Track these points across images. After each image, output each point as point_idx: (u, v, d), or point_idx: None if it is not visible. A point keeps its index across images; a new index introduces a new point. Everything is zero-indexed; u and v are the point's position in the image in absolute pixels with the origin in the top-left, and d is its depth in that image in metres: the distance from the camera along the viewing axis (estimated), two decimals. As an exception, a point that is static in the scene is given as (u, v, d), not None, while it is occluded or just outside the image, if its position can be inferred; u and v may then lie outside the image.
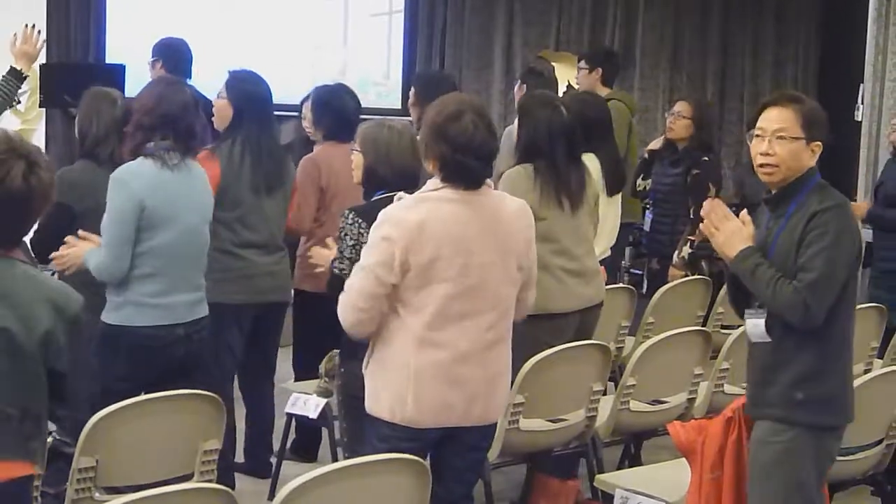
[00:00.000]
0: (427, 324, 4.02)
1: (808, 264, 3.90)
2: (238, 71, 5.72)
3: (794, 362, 4.02)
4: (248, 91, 5.62)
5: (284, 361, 6.39)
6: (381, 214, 4.06)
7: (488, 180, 4.17)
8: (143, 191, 4.68)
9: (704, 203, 4.19)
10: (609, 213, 6.62)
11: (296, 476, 3.41)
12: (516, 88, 7.28)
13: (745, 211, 4.19)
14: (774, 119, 4.02)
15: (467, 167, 4.03)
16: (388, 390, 4.08)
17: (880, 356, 6.39)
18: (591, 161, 6.23)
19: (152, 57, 7.03)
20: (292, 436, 5.96)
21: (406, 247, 3.96)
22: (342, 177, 5.64)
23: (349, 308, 4.08)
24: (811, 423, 4.00)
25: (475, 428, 4.18)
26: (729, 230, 4.07)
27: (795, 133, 3.98)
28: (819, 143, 4.01)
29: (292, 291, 5.97)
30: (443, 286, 4.01)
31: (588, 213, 5.71)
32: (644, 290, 7.39)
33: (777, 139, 3.99)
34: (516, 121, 6.90)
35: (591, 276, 5.69)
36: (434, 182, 4.09)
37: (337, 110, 6.17)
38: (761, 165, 4.04)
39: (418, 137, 4.28)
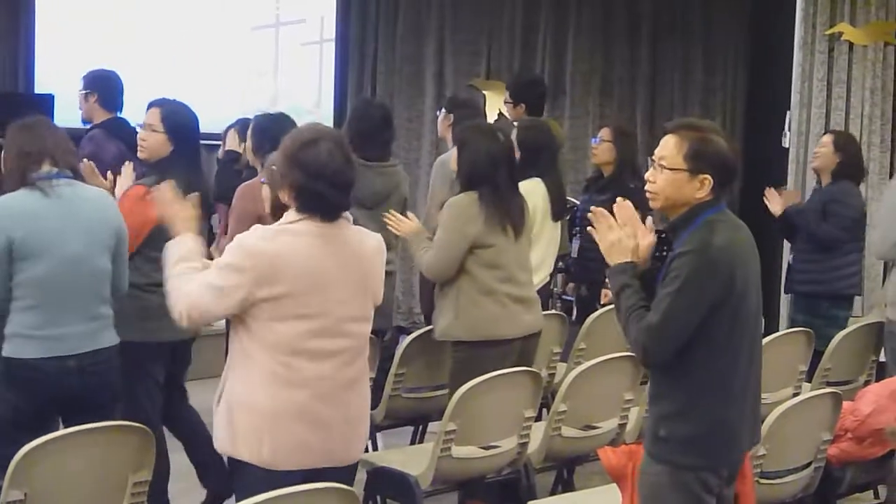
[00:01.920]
0: (282, 361, 3.90)
1: (655, 307, 3.84)
2: (170, 102, 5.62)
3: (661, 399, 3.98)
4: (181, 125, 5.55)
5: (203, 393, 6.37)
6: (237, 240, 3.94)
7: (346, 213, 4.08)
8: (9, 224, 4.60)
9: (592, 208, 4.17)
10: (553, 238, 6.69)
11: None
12: (441, 117, 7.27)
13: (649, 220, 4.12)
14: (662, 146, 3.96)
15: (322, 195, 3.93)
16: (243, 430, 3.94)
17: (809, 380, 6.47)
18: (537, 186, 6.30)
19: (85, 89, 6.96)
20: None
21: (254, 279, 3.85)
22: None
23: (183, 317, 3.97)
24: (670, 460, 3.94)
25: (338, 469, 4.03)
26: (608, 241, 4.04)
27: (676, 164, 3.90)
28: (708, 176, 3.88)
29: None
30: (298, 323, 3.90)
31: (528, 240, 5.77)
32: (574, 316, 7.41)
33: (659, 167, 3.94)
34: (451, 150, 6.97)
35: (533, 303, 5.76)
36: (291, 214, 3.98)
37: (278, 139, 6.12)
38: (647, 192, 4.02)
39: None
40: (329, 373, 3.98)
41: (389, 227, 5.79)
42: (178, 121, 5.55)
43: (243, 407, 3.95)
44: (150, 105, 5.62)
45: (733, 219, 4.02)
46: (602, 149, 7.57)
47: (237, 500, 4.05)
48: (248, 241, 3.92)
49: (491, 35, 11.29)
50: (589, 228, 4.13)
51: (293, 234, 3.93)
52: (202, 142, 5.85)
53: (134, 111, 7.11)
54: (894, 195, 6.45)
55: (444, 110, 7.24)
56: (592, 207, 4.14)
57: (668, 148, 3.93)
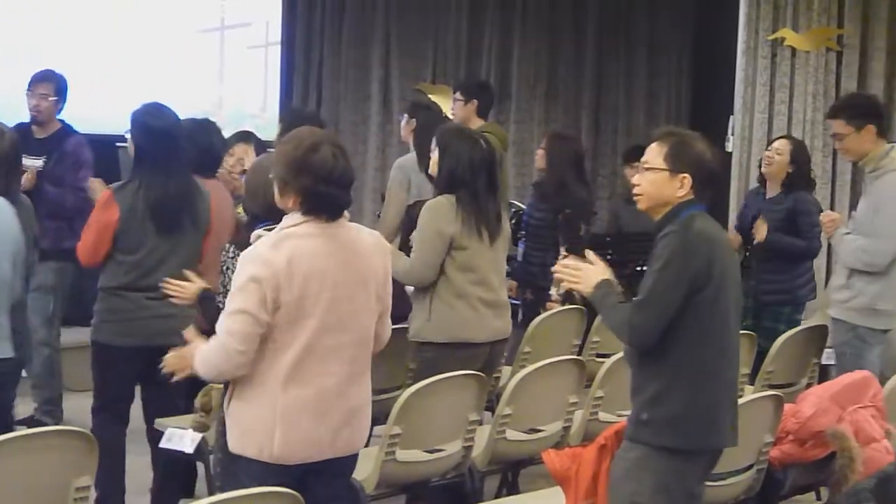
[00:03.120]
0: (294, 361, 4.02)
1: (641, 287, 4.10)
2: (143, 105, 5.57)
3: (642, 386, 4.19)
4: (148, 126, 5.51)
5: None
6: (246, 255, 4.05)
7: (345, 212, 4.19)
8: None
9: (554, 269, 4.40)
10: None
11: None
12: (403, 122, 7.31)
13: (589, 252, 4.39)
14: (646, 153, 4.26)
15: (331, 197, 4.06)
16: (255, 428, 4.05)
17: (751, 382, 6.50)
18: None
19: (55, 94, 6.98)
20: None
21: (276, 286, 3.95)
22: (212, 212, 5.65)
23: (229, 353, 4.02)
24: (652, 443, 4.13)
25: (340, 460, 4.21)
26: (580, 277, 4.28)
27: (657, 164, 4.19)
28: (687, 175, 4.16)
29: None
30: (310, 322, 4.01)
31: (503, 246, 5.81)
32: (519, 319, 7.43)
33: (644, 170, 4.23)
34: (410, 154, 6.99)
35: (503, 308, 5.83)
36: (294, 217, 4.08)
37: (205, 146, 6.10)
38: (634, 195, 4.31)
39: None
40: (336, 368, 4.10)
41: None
42: (143, 122, 5.53)
43: (254, 405, 4.06)
44: None
45: (713, 221, 4.28)
46: (539, 154, 7.69)
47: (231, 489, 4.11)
48: (260, 251, 4.03)
49: (437, 39, 11.30)
50: (563, 283, 4.45)
51: (300, 237, 4.04)
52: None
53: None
54: (890, 208, 6.31)
55: (406, 115, 7.29)
56: (556, 269, 4.40)
57: (651, 152, 4.24)
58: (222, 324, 4.05)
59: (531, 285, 7.56)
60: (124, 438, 5.65)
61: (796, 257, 7.33)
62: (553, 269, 4.41)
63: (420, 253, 5.59)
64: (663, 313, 4.05)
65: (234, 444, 4.13)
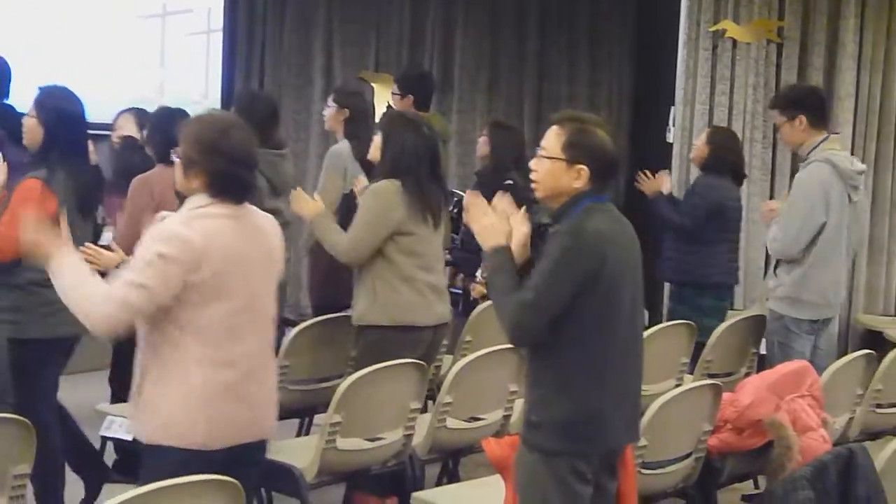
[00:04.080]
0: (211, 344, 3.95)
1: (528, 284, 3.95)
2: (49, 87, 5.50)
3: (533, 385, 4.09)
4: (61, 110, 5.41)
5: (101, 382, 6.32)
6: (156, 231, 3.97)
7: None
8: None
9: (466, 193, 4.26)
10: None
11: (115, 497, 3.36)
12: (332, 111, 7.23)
13: (522, 209, 4.21)
14: (545, 137, 4.10)
15: (242, 179, 4.06)
16: (176, 415, 3.96)
17: (691, 372, 6.56)
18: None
19: None
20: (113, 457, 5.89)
21: (186, 265, 3.88)
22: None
23: (108, 318, 3.90)
24: (541, 447, 4.03)
25: (253, 444, 4.13)
26: (483, 224, 4.13)
27: (553, 153, 4.04)
28: (584, 166, 4.00)
29: None
30: (224, 304, 3.96)
31: (444, 232, 5.82)
32: (460, 308, 7.44)
33: (540, 157, 4.08)
34: (343, 142, 6.96)
35: (445, 293, 5.86)
36: (201, 199, 4.02)
37: (172, 135, 6.05)
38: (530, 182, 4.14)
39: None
40: (253, 350, 4.06)
41: (294, 209, 5.81)
42: (54, 105, 5.42)
43: (174, 393, 3.97)
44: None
45: (613, 210, 4.12)
46: (481, 143, 7.69)
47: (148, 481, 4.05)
48: (168, 229, 3.96)
49: (379, 28, 11.27)
50: (463, 214, 4.22)
51: (210, 217, 3.99)
52: (89, 132, 5.73)
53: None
54: (801, 199, 6.46)
55: (335, 104, 7.19)
56: (465, 193, 4.23)
57: (550, 138, 4.07)
58: (119, 290, 3.89)
59: (469, 273, 7.57)
60: (57, 428, 5.57)
61: (669, 227, 7.47)
62: (464, 201, 4.20)
63: (360, 233, 5.57)
64: (547, 315, 3.92)
65: (153, 434, 4.00)
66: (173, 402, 3.97)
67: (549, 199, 4.08)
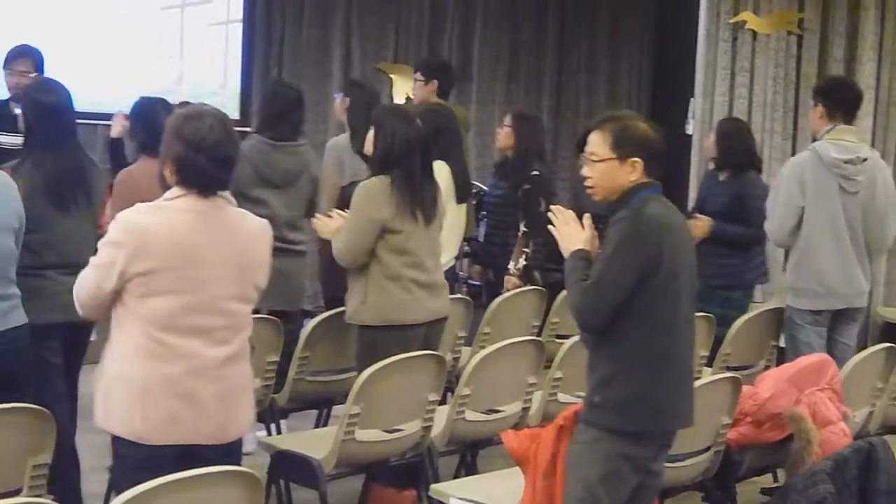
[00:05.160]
0: (155, 337, 3.93)
1: (591, 270, 4.10)
2: (33, 81, 5.55)
3: (595, 369, 4.21)
4: (38, 101, 5.43)
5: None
6: (117, 217, 4.00)
7: (226, 194, 4.11)
8: None
9: (552, 208, 4.38)
10: (457, 221, 6.71)
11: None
12: (338, 100, 7.28)
13: (587, 216, 4.33)
14: (589, 143, 4.24)
15: (199, 167, 3.98)
16: (117, 404, 3.97)
17: (709, 364, 6.54)
18: (441, 168, 6.29)
19: (33, 69, 6.94)
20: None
21: (129, 253, 3.89)
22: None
23: (78, 300, 4.08)
24: (603, 425, 4.15)
25: (215, 447, 4.03)
26: (565, 233, 4.28)
27: (604, 154, 4.17)
28: (637, 158, 4.15)
29: None
30: (169, 298, 3.92)
31: (438, 227, 5.77)
32: (483, 300, 7.43)
33: (591, 163, 4.21)
34: (343, 135, 6.96)
35: (440, 289, 5.77)
36: (173, 191, 4.03)
37: (153, 125, 6.05)
38: (587, 188, 4.28)
39: None
40: (201, 349, 3.98)
41: (316, 229, 5.82)
42: (33, 98, 5.47)
43: (117, 381, 3.98)
44: None
45: (668, 203, 4.27)
46: (503, 134, 7.62)
47: (117, 476, 4.10)
48: (124, 216, 3.98)
49: (398, 19, 11.26)
50: (549, 227, 4.36)
51: (169, 210, 3.98)
52: (107, 122, 5.75)
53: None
54: (783, 184, 6.60)
55: (341, 93, 7.26)
56: (554, 208, 4.37)
57: (595, 143, 4.20)
58: (82, 274, 4.06)
59: (492, 265, 7.57)
60: (67, 415, 5.57)
61: (743, 244, 7.35)
62: (550, 214, 4.36)
63: (350, 234, 5.54)
64: (611, 298, 4.05)
65: (102, 420, 4.03)
66: (116, 391, 3.99)
67: (607, 198, 4.22)
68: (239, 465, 4.06)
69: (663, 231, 4.12)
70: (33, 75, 6.95)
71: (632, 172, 4.15)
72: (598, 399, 4.15)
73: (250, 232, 4.15)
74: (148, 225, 3.92)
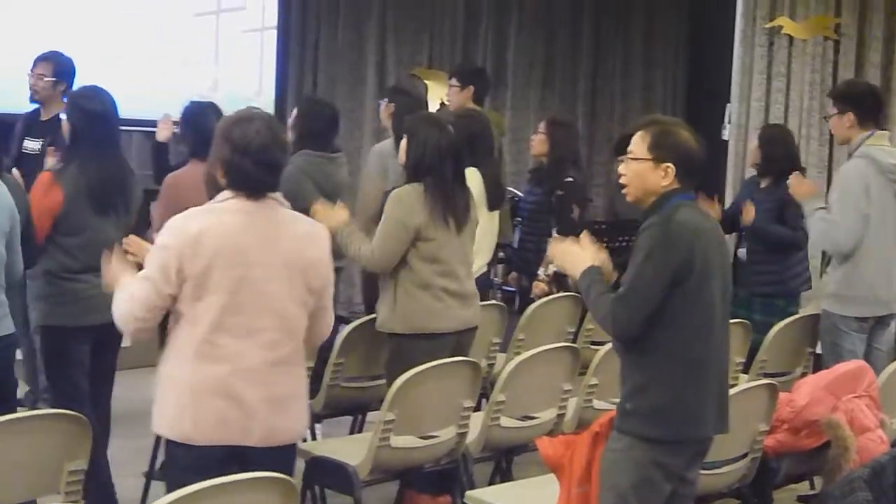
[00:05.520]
0: (204, 337, 3.97)
1: (623, 278, 4.10)
2: (79, 88, 5.62)
3: (627, 376, 4.19)
4: (84, 108, 5.52)
5: (152, 379, 6.33)
6: (168, 223, 4.05)
7: (277, 195, 4.14)
8: None
9: (549, 249, 4.41)
10: (489, 228, 6.69)
11: (162, 496, 3.37)
12: (382, 107, 7.28)
13: (584, 234, 4.40)
14: (632, 142, 4.22)
15: (245, 170, 4.02)
16: (168, 407, 4.03)
17: (746, 371, 6.51)
18: (473, 175, 6.28)
19: (54, 76, 6.97)
20: (162, 456, 5.89)
21: (184, 255, 3.93)
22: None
23: (129, 317, 4.05)
24: (636, 433, 4.12)
25: (264, 450, 4.04)
26: (569, 261, 4.33)
27: (641, 154, 4.17)
28: (670, 164, 4.13)
29: None
30: (217, 298, 3.96)
31: (471, 235, 5.76)
32: (517, 306, 7.42)
33: (628, 161, 4.21)
34: (387, 140, 6.96)
35: (471, 298, 5.75)
36: (223, 194, 4.08)
37: (203, 129, 6.11)
38: (621, 187, 4.28)
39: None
40: (249, 351, 4.01)
41: (317, 218, 5.76)
42: (79, 105, 5.54)
43: (168, 383, 4.04)
44: None
45: (701, 209, 4.29)
46: (538, 140, 7.62)
47: (167, 478, 4.11)
48: (175, 221, 4.03)
49: (433, 25, 11.28)
50: (552, 263, 4.41)
51: (220, 212, 4.03)
52: (141, 129, 5.80)
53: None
54: (849, 193, 6.41)
55: (385, 100, 7.24)
56: (552, 240, 4.40)
57: (636, 142, 4.19)
58: (131, 286, 4.05)
59: (526, 272, 7.55)
60: (94, 419, 5.59)
61: (783, 246, 7.31)
62: (548, 251, 4.41)
63: (382, 241, 5.53)
64: (644, 305, 4.04)
65: (155, 423, 4.10)
66: (168, 393, 4.04)
67: (639, 199, 4.20)
68: (291, 470, 4.12)
69: (694, 236, 4.09)
70: (49, 79, 7.00)
71: (664, 178, 4.13)
72: (630, 406, 4.14)
73: (301, 233, 4.17)
74: (199, 227, 3.97)
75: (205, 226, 3.97)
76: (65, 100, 7.01)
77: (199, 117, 6.09)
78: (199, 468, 3.75)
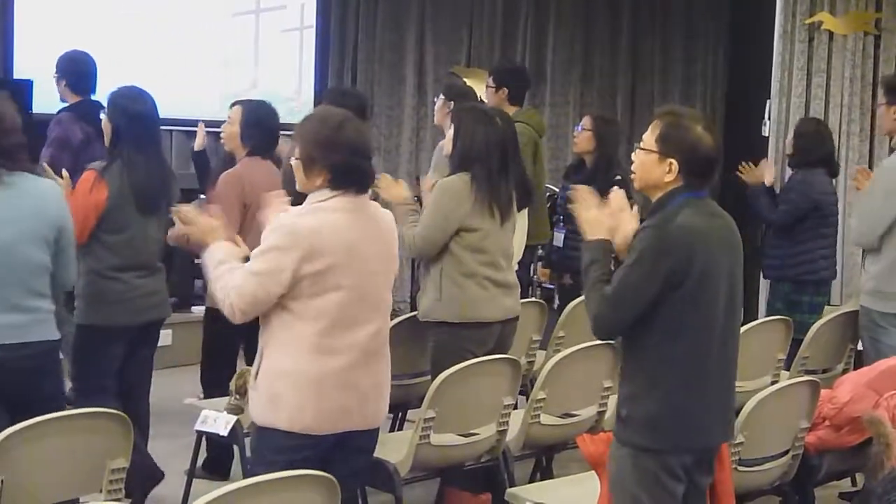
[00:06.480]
0: (322, 332, 4.09)
1: (612, 279, 3.96)
2: (120, 88, 5.63)
3: (624, 381, 4.09)
4: (127, 109, 5.55)
5: (193, 378, 6.37)
6: (274, 223, 4.13)
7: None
8: None
9: (573, 187, 4.31)
10: (520, 227, 6.67)
11: (205, 494, 3.39)
12: (439, 104, 7.22)
13: (635, 207, 4.20)
14: (647, 130, 4.07)
15: (362, 169, 4.19)
16: (285, 400, 4.11)
17: (787, 368, 6.48)
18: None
19: (56, 73, 7.02)
20: (203, 454, 5.92)
21: (302, 256, 4.03)
22: (265, 193, 5.65)
23: (231, 308, 4.13)
24: (631, 443, 4.01)
25: (364, 432, 4.28)
26: (587, 217, 4.14)
27: (649, 145, 4.01)
28: (674, 160, 3.95)
29: (170, 307, 5.99)
30: (337, 294, 4.09)
31: (512, 228, 5.78)
32: (556, 305, 7.41)
33: (639, 149, 4.06)
34: (448, 134, 6.95)
35: (513, 288, 5.78)
36: (322, 193, 4.15)
37: (267, 127, 6.20)
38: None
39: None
40: (363, 341, 4.19)
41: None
42: (121, 105, 5.57)
43: (288, 377, 4.12)
44: None
45: (712, 206, 4.09)
46: (583, 137, 7.58)
47: (256, 468, 4.10)
48: (287, 221, 4.12)
49: (472, 23, 11.29)
50: (569, 206, 4.23)
51: (328, 211, 4.12)
52: (181, 128, 5.83)
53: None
54: (877, 185, 6.44)
55: (442, 97, 7.22)
56: (574, 186, 4.25)
57: (650, 131, 4.04)
58: (238, 279, 4.11)
59: (570, 270, 7.51)
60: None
61: (762, 222, 7.44)
62: (573, 194, 4.22)
63: (426, 229, 5.54)
64: (628, 309, 3.90)
65: (263, 416, 4.17)
66: (285, 386, 4.12)
67: (645, 191, 4.08)
68: (374, 448, 4.44)
69: (694, 239, 3.91)
70: (53, 76, 7.05)
71: (668, 173, 3.96)
72: (625, 413, 4.02)
73: (389, 223, 4.39)
74: (315, 226, 4.07)
75: (319, 224, 4.08)
76: (64, 101, 7.08)
77: (263, 117, 6.27)
78: (311, 457, 4.00)
